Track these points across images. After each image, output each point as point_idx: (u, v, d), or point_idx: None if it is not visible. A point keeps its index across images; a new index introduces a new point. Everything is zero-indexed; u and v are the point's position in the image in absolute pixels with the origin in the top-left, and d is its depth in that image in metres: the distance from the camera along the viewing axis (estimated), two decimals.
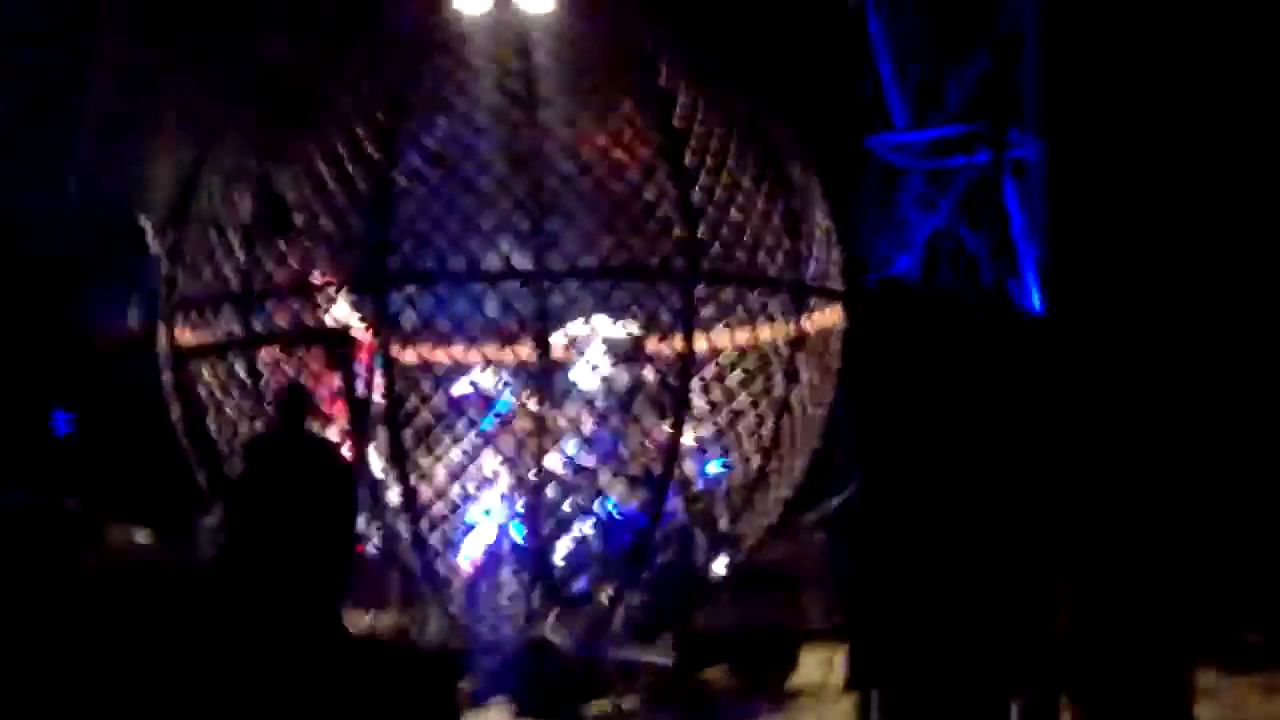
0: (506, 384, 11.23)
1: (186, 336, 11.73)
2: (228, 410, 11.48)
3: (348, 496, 8.44)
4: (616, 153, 11.37)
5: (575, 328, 11.32)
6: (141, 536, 10.77)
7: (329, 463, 8.69)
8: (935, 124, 16.30)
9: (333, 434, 10.82)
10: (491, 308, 11.09)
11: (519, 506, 11.08)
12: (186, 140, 12.67)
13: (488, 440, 11.15)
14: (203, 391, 11.59)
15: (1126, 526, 5.51)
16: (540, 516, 10.97)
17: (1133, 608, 5.40)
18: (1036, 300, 15.51)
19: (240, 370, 11.41)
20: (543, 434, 10.95)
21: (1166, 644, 5.47)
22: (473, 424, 11.14)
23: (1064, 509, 5.36)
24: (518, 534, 11.08)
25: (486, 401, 11.19)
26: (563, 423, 11.17)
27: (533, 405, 11.04)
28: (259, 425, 11.01)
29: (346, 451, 10.41)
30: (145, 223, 11.50)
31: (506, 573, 11.14)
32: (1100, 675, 5.31)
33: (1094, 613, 5.38)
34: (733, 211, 11.35)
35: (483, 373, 11.20)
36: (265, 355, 11.43)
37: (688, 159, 11.26)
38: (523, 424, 11.14)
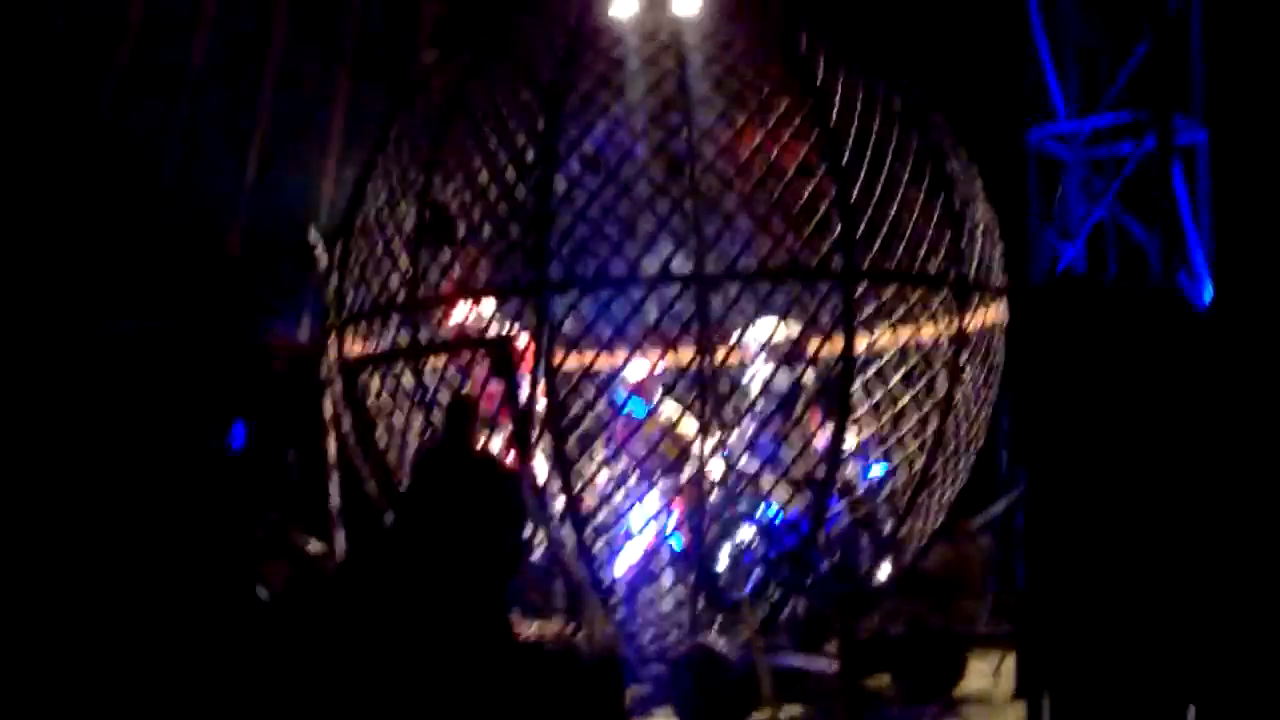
0: (669, 388, 11.27)
1: (355, 348, 11.92)
2: (396, 420, 11.65)
3: (514, 505, 8.50)
4: (773, 152, 11.30)
5: (736, 330, 11.34)
6: (316, 547, 10.96)
7: (494, 472, 8.75)
8: (1098, 112, 16.12)
9: (498, 442, 10.94)
10: (651, 312, 11.16)
11: (681, 513, 11.10)
12: (352, 152, 12.91)
13: (651, 446, 11.19)
14: (371, 402, 11.77)
15: None
16: (703, 522, 10.96)
17: None
18: (1207, 293, 15.19)
19: (407, 380, 11.55)
20: (705, 439, 10.96)
21: None
22: (636, 430, 11.20)
23: (1235, 510, 5.21)
24: (678, 541, 11.11)
25: (647, 405, 11.25)
26: (725, 427, 11.17)
27: (694, 410, 11.07)
28: (426, 435, 11.18)
29: (511, 460, 10.50)
30: (314, 236, 11.71)
31: (669, 580, 11.23)
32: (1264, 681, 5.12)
33: (1259, 618, 5.20)
34: (892, 208, 11.19)
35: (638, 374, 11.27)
36: (431, 364, 11.57)
37: (845, 156, 11.15)
38: (685, 429, 11.18)
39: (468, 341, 11.27)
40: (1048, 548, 5.16)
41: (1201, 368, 5.25)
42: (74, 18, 14.38)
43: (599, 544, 11.05)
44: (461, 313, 11.33)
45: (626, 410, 11.23)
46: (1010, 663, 10.32)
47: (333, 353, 11.93)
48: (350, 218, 12.09)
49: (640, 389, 11.27)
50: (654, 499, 11.18)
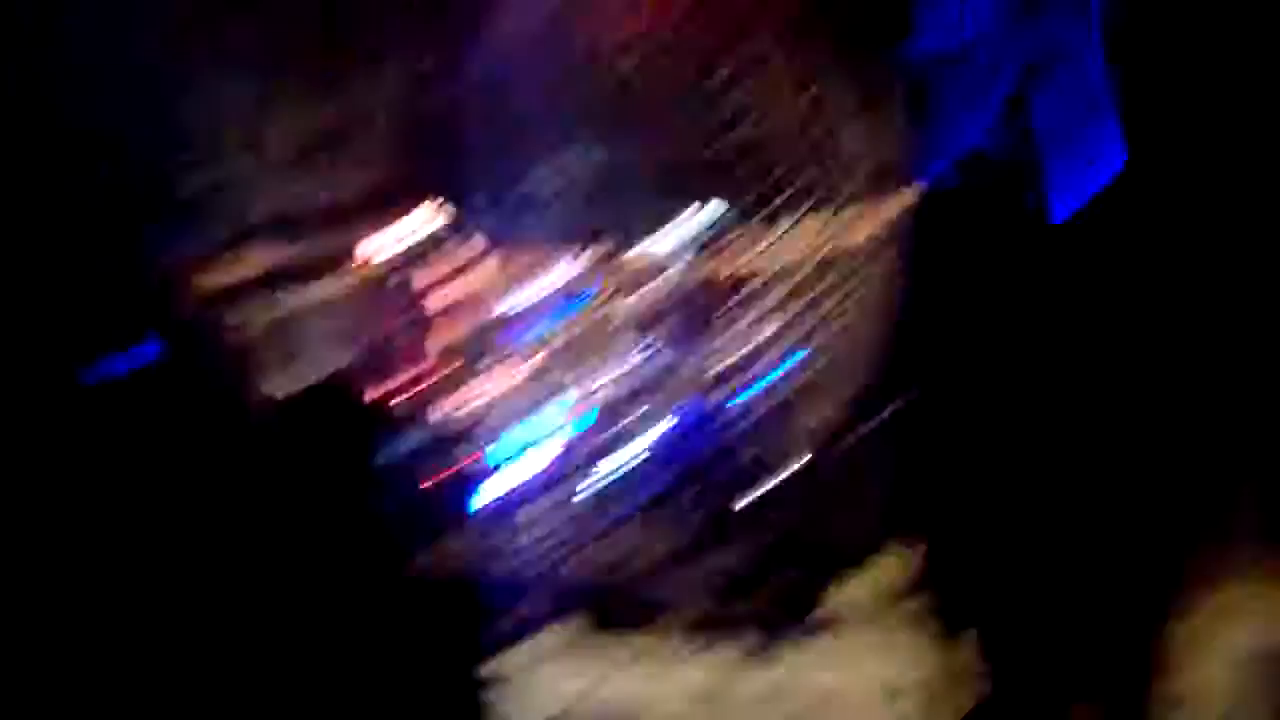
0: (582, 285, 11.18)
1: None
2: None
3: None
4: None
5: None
6: None
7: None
8: None
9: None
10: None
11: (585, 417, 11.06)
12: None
13: (556, 351, 11.11)
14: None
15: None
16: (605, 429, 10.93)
17: None
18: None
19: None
20: (617, 339, 10.92)
21: None
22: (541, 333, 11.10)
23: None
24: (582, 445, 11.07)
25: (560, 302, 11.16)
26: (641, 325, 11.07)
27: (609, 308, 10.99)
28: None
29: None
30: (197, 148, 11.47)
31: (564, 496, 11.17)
32: None
33: None
34: None
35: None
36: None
37: None
38: (600, 327, 11.09)
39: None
40: (944, 455, 5.14)
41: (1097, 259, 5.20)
42: None
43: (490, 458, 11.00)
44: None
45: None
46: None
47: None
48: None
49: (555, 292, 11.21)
50: (557, 407, 11.12)
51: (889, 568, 10.20)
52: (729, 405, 10.92)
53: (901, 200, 12.02)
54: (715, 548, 10.18)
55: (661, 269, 11.29)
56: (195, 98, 13.35)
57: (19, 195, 13.48)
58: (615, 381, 10.91)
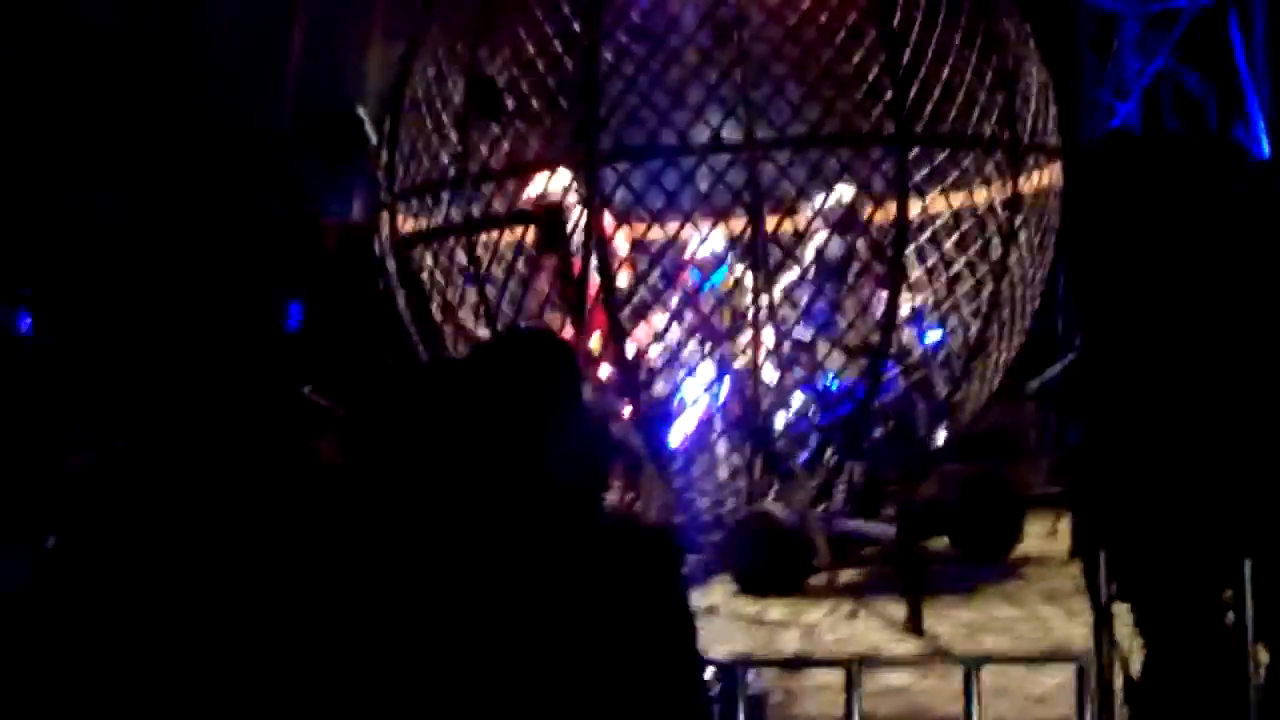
0: (722, 256, 11.18)
1: (408, 224, 11.85)
2: (450, 295, 11.63)
3: (572, 375, 8.44)
4: (822, 16, 11.10)
5: (788, 199, 11.21)
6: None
7: (551, 344, 8.70)
8: None
9: (554, 314, 10.89)
10: (703, 181, 11.01)
11: (738, 381, 11.05)
12: (397, 29, 12.77)
13: (704, 316, 11.15)
14: (426, 280, 11.72)
15: None
16: (758, 391, 10.91)
17: None
18: (1266, 145, 14.96)
19: (460, 254, 11.50)
20: (759, 307, 10.87)
21: None
22: (689, 300, 11.15)
23: None
24: (736, 408, 11.07)
25: (704, 274, 11.17)
26: (778, 295, 11.05)
27: (748, 279, 10.98)
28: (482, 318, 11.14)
29: (568, 330, 10.45)
30: (363, 114, 11.62)
31: (724, 448, 11.22)
32: None
33: None
34: (944, 71, 10.98)
35: (699, 246, 11.17)
36: (483, 239, 11.51)
37: (896, 19, 10.95)
38: (739, 297, 11.10)
39: (518, 215, 11.18)
40: (1102, 409, 5.07)
41: (1261, 222, 5.12)
42: None
43: (655, 412, 11.04)
44: (532, 187, 11.23)
45: (718, 282, 11.18)
46: (1066, 523, 10.29)
47: (385, 230, 11.86)
48: (399, 94, 11.96)
49: (698, 262, 11.19)
50: (708, 368, 11.13)
51: (1062, 521, 10.13)
52: (886, 369, 10.90)
53: (1073, 154, 11.92)
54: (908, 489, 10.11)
55: (803, 240, 11.29)
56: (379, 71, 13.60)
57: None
58: (757, 345, 10.95)
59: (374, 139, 11.80)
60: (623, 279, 11.17)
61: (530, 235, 11.13)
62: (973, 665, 4.54)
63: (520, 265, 11.42)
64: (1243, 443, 4.61)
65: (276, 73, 14.94)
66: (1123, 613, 4.67)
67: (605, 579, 2.72)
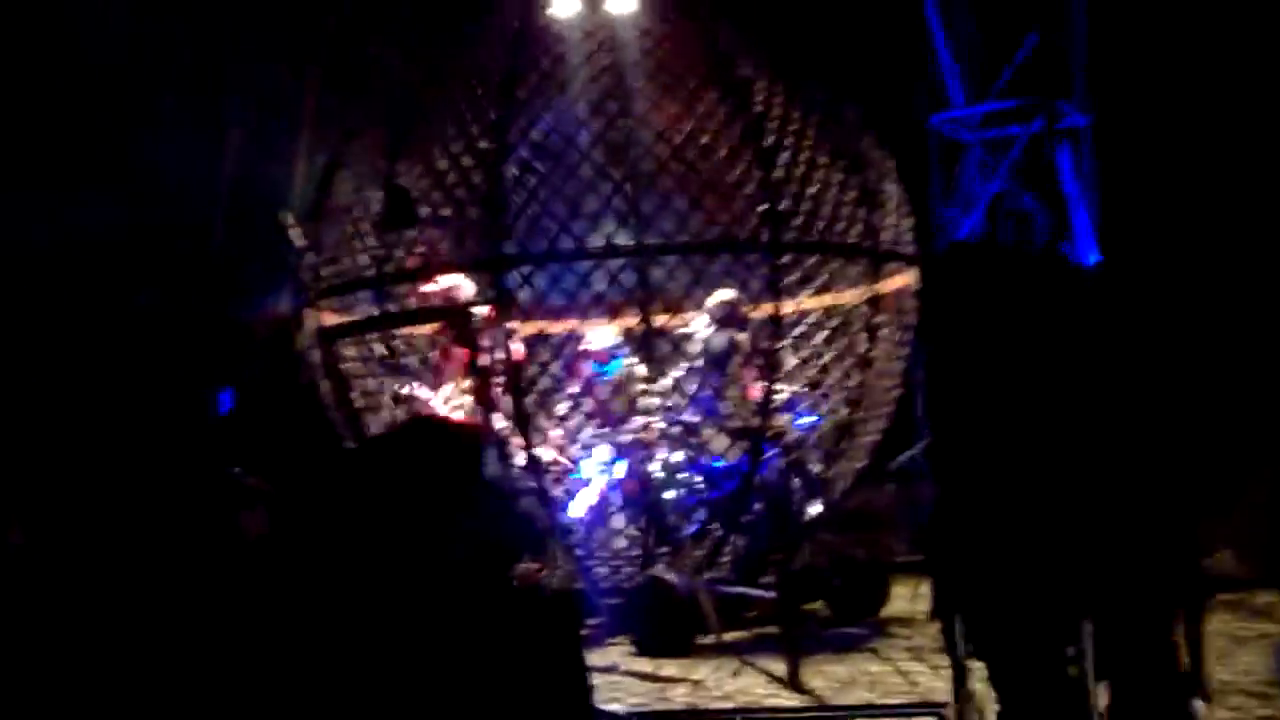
0: (616, 350, 11.17)
1: (330, 319, 11.71)
2: (369, 384, 11.48)
3: (475, 458, 8.35)
4: (703, 138, 11.21)
5: (675, 298, 11.25)
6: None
7: (452, 434, 8.62)
8: (991, 99, 16.24)
9: (463, 402, 10.79)
10: (599, 283, 11.01)
11: (630, 462, 11.00)
12: (321, 143, 12.72)
13: (601, 402, 11.11)
14: (346, 370, 11.53)
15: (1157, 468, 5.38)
16: (649, 470, 10.85)
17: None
18: (1089, 257, 15.30)
19: (378, 347, 11.42)
20: (649, 395, 10.86)
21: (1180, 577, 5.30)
22: (588, 388, 11.11)
23: (1120, 447, 5.20)
24: (631, 485, 11.01)
25: (599, 365, 11.15)
26: (668, 383, 11.04)
27: (641, 369, 10.97)
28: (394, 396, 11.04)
29: (476, 417, 10.35)
30: (288, 219, 11.49)
31: (621, 521, 11.12)
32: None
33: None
34: (811, 186, 11.12)
35: (595, 340, 11.15)
36: (399, 332, 11.42)
37: (768, 140, 11.06)
38: (632, 386, 11.08)
39: (433, 312, 11.10)
40: (951, 483, 5.10)
41: (1087, 321, 5.21)
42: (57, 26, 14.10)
43: (557, 490, 10.94)
44: (432, 286, 11.17)
45: (614, 372, 11.14)
46: (926, 587, 10.30)
47: (309, 324, 11.71)
48: (322, 202, 11.89)
49: (595, 354, 11.17)
50: (605, 449, 11.07)
51: (923, 585, 10.14)
52: (765, 449, 10.91)
53: (925, 260, 12.09)
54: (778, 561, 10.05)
55: (689, 335, 11.23)
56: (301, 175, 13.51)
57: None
58: (649, 429, 10.94)
59: (299, 242, 11.68)
60: (528, 372, 11.14)
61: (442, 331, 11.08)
62: (846, 717, 4.49)
63: (434, 357, 11.35)
64: (1076, 515, 4.66)
65: (211, 179, 14.81)
66: (978, 667, 4.67)
67: (510, 639, 2.66)
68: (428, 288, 11.17)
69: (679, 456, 10.96)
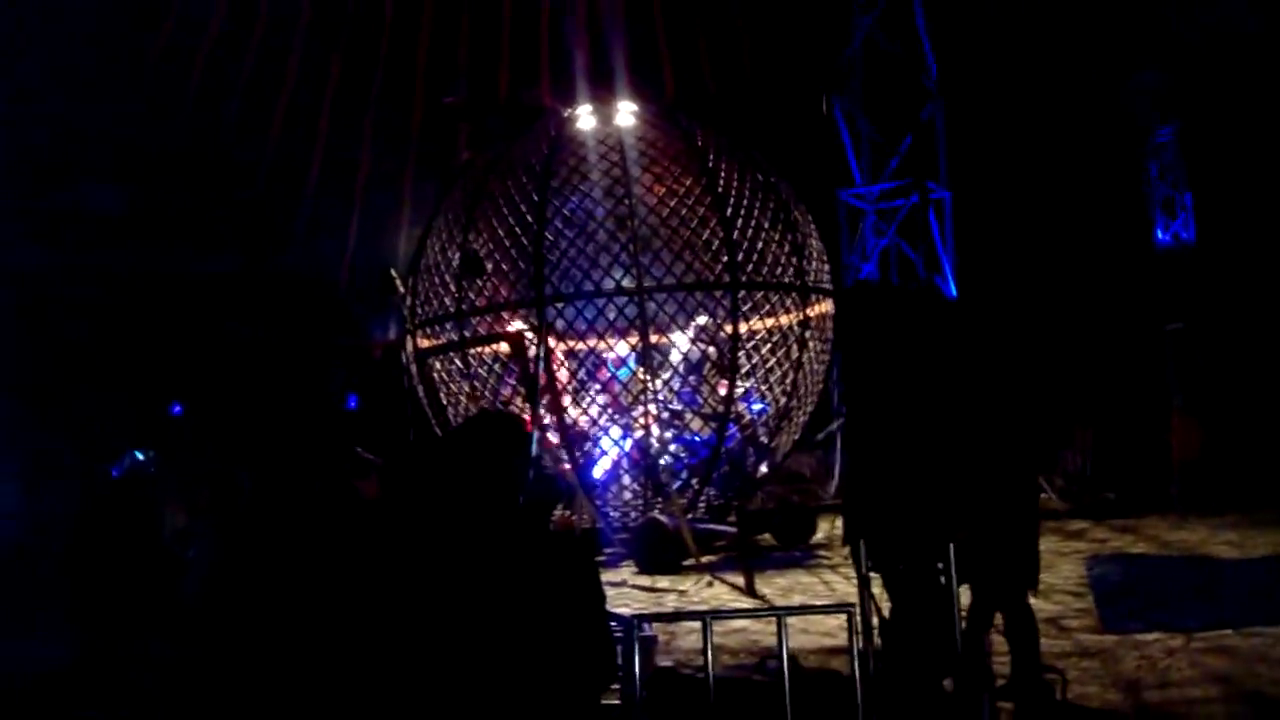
0: (624, 362, 11.18)
1: (423, 343, 11.73)
2: (452, 388, 11.51)
3: (523, 438, 8.35)
4: (683, 210, 11.22)
5: (665, 323, 11.25)
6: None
7: (509, 420, 8.61)
8: (882, 180, 16.25)
9: (518, 399, 10.81)
10: (610, 313, 11.03)
11: (637, 439, 11.01)
12: (417, 218, 12.75)
13: (614, 398, 11.10)
14: (436, 378, 11.59)
15: (1007, 433, 5.39)
16: (649, 443, 10.87)
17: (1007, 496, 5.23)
18: (952, 288, 15.32)
19: (458, 363, 11.42)
20: (647, 391, 10.87)
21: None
22: (606, 387, 11.12)
23: (978, 421, 5.22)
24: (635, 455, 11.01)
25: (614, 369, 11.16)
26: (660, 384, 11.07)
27: (641, 374, 10.99)
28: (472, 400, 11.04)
29: (525, 411, 10.36)
30: (394, 273, 11.50)
31: (629, 480, 11.14)
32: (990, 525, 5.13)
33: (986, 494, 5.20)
34: (759, 243, 11.14)
35: (612, 354, 11.16)
36: (474, 352, 11.42)
37: (729, 211, 11.09)
38: (635, 385, 11.09)
39: (495, 336, 11.12)
40: (858, 450, 5.12)
41: (952, 332, 5.24)
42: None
43: (584, 459, 10.94)
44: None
45: (623, 376, 11.13)
46: (840, 522, 10.28)
47: (410, 347, 11.74)
48: (417, 260, 11.90)
49: (616, 361, 11.19)
50: (617, 430, 11.09)
51: (838, 520, 10.17)
52: (729, 428, 10.92)
53: (838, 292, 12.12)
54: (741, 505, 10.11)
55: (674, 346, 11.27)
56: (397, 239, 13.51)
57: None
58: (648, 415, 10.97)
59: (402, 289, 11.70)
60: (562, 375, 11.16)
61: (503, 349, 11.09)
62: (785, 614, 4.51)
63: (496, 368, 11.37)
64: (940, 474, 4.68)
65: (341, 246, 14.85)
66: (876, 578, 4.69)
67: (551, 565, 2.67)
68: (492, 320, 11.18)
69: (669, 434, 11.03)
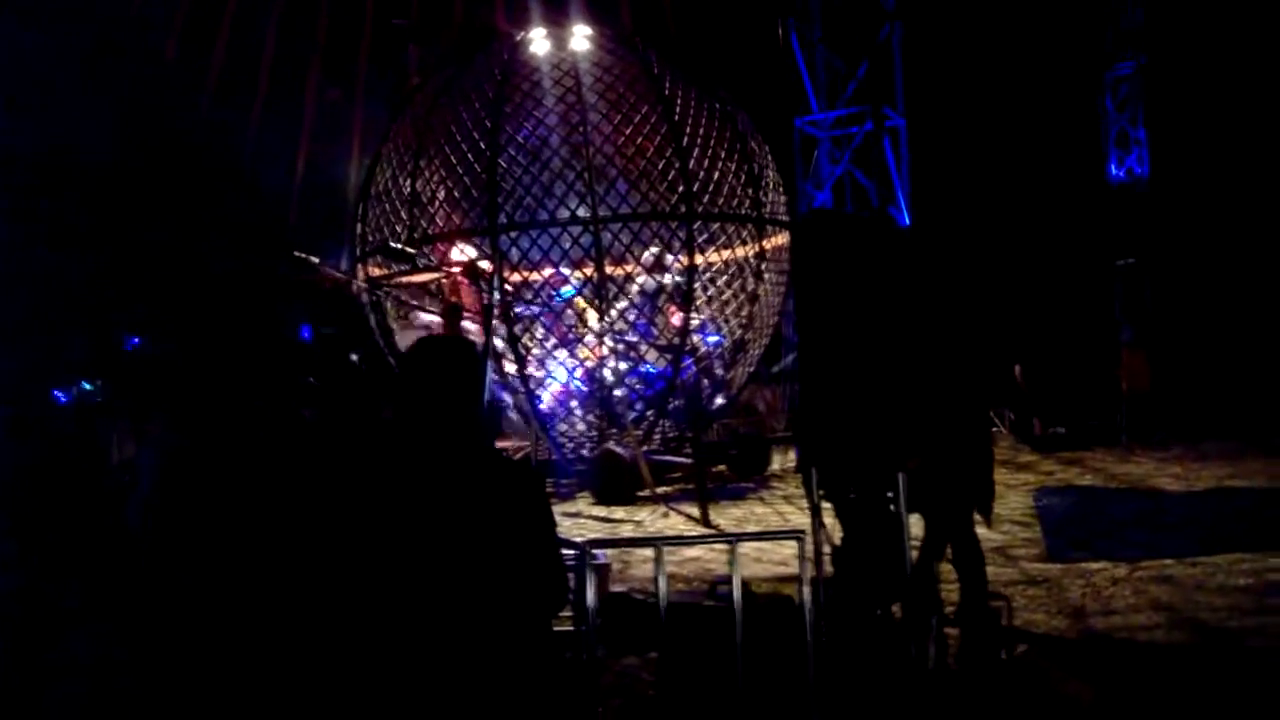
0: (574, 287, 11.08)
1: (375, 272, 11.54)
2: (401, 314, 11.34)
3: (480, 369, 8.26)
4: (638, 139, 11.06)
5: (619, 254, 11.15)
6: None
7: (461, 345, 8.52)
8: (837, 107, 16.15)
9: (472, 329, 10.67)
10: (565, 243, 10.91)
11: (586, 369, 10.96)
12: (367, 146, 12.48)
13: (565, 329, 11.02)
14: (387, 305, 11.43)
15: (958, 355, 5.41)
16: (604, 374, 10.84)
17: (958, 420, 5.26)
18: (905, 218, 15.33)
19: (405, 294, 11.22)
20: (601, 322, 10.80)
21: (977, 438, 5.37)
22: (556, 317, 11.03)
23: (926, 348, 5.23)
24: (590, 386, 10.98)
25: (557, 293, 11.02)
26: (615, 314, 11.01)
27: (585, 301, 10.92)
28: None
29: (479, 340, 10.25)
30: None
31: (582, 410, 11.12)
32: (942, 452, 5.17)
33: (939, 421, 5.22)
34: (715, 173, 11.04)
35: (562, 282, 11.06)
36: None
37: (685, 140, 10.95)
38: (590, 317, 11.01)
39: (450, 266, 10.95)
40: (810, 378, 5.09)
41: (904, 263, 5.21)
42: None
43: (539, 390, 10.91)
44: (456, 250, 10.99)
45: (566, 295, 11.02)
46: (793, 453, 10.38)
47: (361, 275, 11.55)
48: (367, 187, 11.66)
49: (555, 281, 11.06)
50: (567, 358, 11.03)
51: (790, 450, 10.26)
52: (684, 360, 10.91)
53: (793, 224, 12.08)
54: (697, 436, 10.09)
55: (629, 277, 11.31)
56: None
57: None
58: (607, 346, 10.91)
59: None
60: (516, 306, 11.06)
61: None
62: (737, 540, 4.54)
63: (447, 296, 11.19)
64: (892, 404, 4.68)
65: (288, 176, 14.51)
66: (828, 507, 4.71)
67: (502, 490, 2.64)
68: (444, 249, 11.01)
69: (624, 366, 11.00)
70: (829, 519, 4.76)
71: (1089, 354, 13.16)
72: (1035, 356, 12.79)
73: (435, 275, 10.72)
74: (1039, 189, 15.28)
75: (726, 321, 11.38)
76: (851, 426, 4.71)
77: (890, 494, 4.61)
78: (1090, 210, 15.48)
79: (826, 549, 4.67)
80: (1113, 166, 16.30)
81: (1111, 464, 10.79)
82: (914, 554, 4.69)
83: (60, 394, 9.78)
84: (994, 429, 11.42)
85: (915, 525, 4.77)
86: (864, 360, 4.77)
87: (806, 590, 4.25)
